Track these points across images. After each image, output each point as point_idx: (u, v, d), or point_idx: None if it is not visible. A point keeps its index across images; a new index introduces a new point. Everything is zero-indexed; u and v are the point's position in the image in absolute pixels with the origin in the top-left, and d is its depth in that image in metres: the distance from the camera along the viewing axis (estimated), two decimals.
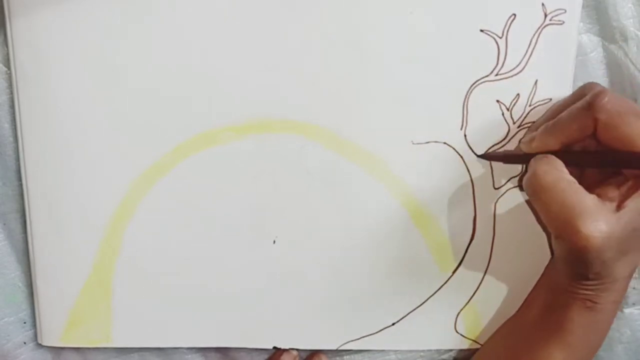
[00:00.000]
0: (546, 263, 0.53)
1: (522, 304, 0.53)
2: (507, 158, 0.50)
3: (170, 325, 0.53)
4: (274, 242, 0.52)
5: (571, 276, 0.46)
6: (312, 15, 0.49)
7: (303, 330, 0.54)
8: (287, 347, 0.54)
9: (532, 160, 0.46)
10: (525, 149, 0.47)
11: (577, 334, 0.46)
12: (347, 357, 0.56)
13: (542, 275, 0.52)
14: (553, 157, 0.45)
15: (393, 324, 0.54)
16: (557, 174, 0.43)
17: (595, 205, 0.42)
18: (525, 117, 0.51)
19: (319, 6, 0.48)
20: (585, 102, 0.43)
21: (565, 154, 0.45)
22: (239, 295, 0.53)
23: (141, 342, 0.53)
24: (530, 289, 0.53)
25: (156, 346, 0.54)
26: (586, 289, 0.45)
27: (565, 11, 0.49)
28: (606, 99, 0.42)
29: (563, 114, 0.45)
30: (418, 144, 0.51)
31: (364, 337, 0.54)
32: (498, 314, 0.54)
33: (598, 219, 0.42)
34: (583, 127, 0.43)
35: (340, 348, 0.54)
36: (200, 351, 0.55)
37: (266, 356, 0.55)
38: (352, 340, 0.54)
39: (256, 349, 0.55)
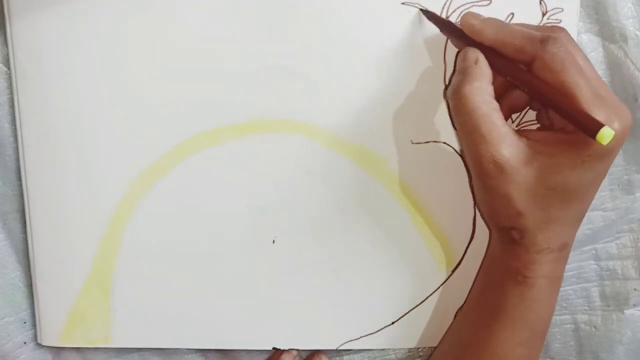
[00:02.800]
0: None
1: (470, 291, 0.52)
2: (444, 25, 0.48)
3: (170, 326, 0.53)
4: (274, 242, 0.52)
5: (498, 239, 0.46)
6: (312, 15, 0.49)
7: (303, 330, 0.54)
8: (287, 348, 0.54)
9: (463, 61, 0.44)
10: (464, 23, 0.45)
11: (513, 312, 0.46)
12: (347, 357, 0.56)
13: (484, 258, 0.51)
14: (485, 73, 0.43)
15: (393, 323, 0.54)
16: (481, 99, 0.42)
17: (511, 136, 0.42)
18: (523, 117, 0.50)
19: (319, 6, 0.48)
20: (545, 36, 0.42)
21: (500, 59, 0.44)
22: (239, 295, 0.52)
23: (141, 343, 0.53)
24: None
25: (156, 347, 0.53)
26: (515, 259, 0.45)
27: (563, 10, 0.49)
28: (561, 48, 0.41)
29: (519, 26, 0.44)
30: (418, 143, 0.51)
31: (363, 336, 0.54)
32: None
33: (512, 145, 0.42)
34: (523, 50, 0.42)
35: (340, 348, 0.54)
36: (200, 351, 0.55)
37: (266, 356, 0.55)
38: (352, 340, 0.54)
39: (256, 350, 0.55)
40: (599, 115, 0.39)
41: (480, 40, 0.44)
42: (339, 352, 0.55)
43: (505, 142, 0.42)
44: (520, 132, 0.43)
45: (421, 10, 0.49)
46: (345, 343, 0.54)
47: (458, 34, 0.46)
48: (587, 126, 0.39)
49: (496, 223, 0.46)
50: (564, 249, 0.45)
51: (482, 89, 0.42)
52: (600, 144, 0.38)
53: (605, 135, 0.38)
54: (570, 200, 0.43)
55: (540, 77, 0.41)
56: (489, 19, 0.45)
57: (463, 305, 0.52)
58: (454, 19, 0.49)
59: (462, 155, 0.51)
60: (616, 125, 0.40)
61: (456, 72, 0.45)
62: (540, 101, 0.44)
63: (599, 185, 0.44)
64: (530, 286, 0.45)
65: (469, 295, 0.52)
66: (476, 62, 0.43)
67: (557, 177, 0.42)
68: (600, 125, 0.38)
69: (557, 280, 0.46)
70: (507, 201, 0.43)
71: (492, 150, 0.41)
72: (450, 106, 0.44)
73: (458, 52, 0.47)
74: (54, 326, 0.52)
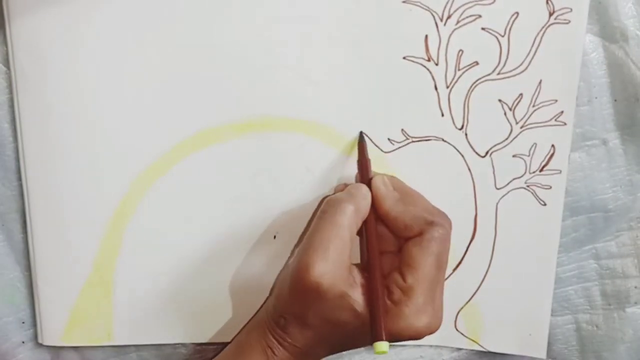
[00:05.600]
0: (550, 265, 0.53)
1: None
2: (363, 159, 0.50)
3: (170, 323, 0.53)
4: (275, 238, 0.52)
5: (269, 310, 0.48)
6: (312, 14, 0.49)
7: None
8: None
9: (356, 189, 0.47)
10: (374, 182, 0.48)
11: None
12: (347, 357, 0.56)
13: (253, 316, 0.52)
14: (363, 209, 0.46)
15: None
16: (347, 222, 0.45)
17: (345, 270, 0.44)
18: (528, 118, 0.51)
19: (319, 5, 0.48)
20: (435, 220, 0.45)
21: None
22: (239, 292, 0.52)
23: (142, 340, 0.53)
24: (531, 289, 0.53)
25: (156, 343, 0.53)
26: (272, 333, 0.46)
27: (571, 10, 0.49)
28: (443, 235, 0.45)
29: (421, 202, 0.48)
30: (418, 140, 0.51)
31: None
32: (499, 315, 0.54)
33: (336, 276, 0.43)
34: (411, 228, 0.46)
35: None
36: (198, 347, 0.55)
37: None
38: None
39: None
40: (417, 306, 0.43)
41: (377, 206, 0.47)
42: None
43: (338, 271, 0.43)
44: (362, 274, 0.46)
45: (361, 132, 0.51)
46: None
47: (363, 174, 0.49)
48: (374, 328, 0.43)
49: (277, 301, 0.47)
50: (311, 357, 0.47)
51: (355, 216, 0.45)
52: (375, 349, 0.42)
53: (379, 349, 0.42)
54: (345, 342, 0.46)
55: (410, 248, 0.45)
56: (392, 192, 0.48)
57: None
58: (454, 19, 0.49)
59: (462, 155, 0.51)
60: (423, 326, 0.44)
61: (345, 190, 0.48)
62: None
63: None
64: None
65: (226, 351, 0.51)
66: (364, 198, 0.47)
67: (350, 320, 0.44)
68: (379, 338, 0.42)
69: None
70: (299, 306, 0.45)
71: (323, 272, 0.43)
72: (321, 208, 0.47)
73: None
74: (54, 325, 0.52)
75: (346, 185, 0.49)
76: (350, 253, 0.45)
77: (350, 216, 0.45)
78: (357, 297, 0.44)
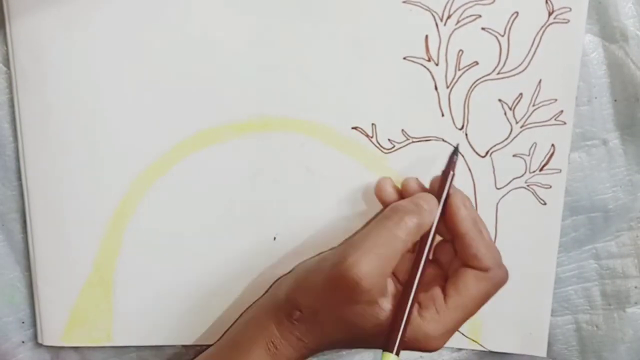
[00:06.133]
0: (550, 265, 0.53)
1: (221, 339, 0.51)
2: (447, 171, 0.49)
3: (171, 323, 0.53)
4: (275, 239, 0.52)
5: (279, 303, 0.47)
6: (312, 13, 0.49)
7: None
8: None
9: (426, 203, 0.46)
10: (457, 203, 0.47)
11: None
12: (347, 357, 0.56)
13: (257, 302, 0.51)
14: (424, 227, 0.45)
15: None
16: (406, 236, 0.44)
17: (385, 280, 0.44)
18: (528, 117, 0.51)
19: (320, 4, 0.48)
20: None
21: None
22: (240, 292, 0.52)
23: (142, 341, 0.53)
24: (531, 288, 0.53)
25: (156, 344, 0.53)
26: (278, 326, 0.46)
27: (571, 9, 0.49)
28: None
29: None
30: (418, 141, 0.51)
31: None
32: (499, 314, 0.54)
33: (379, 281, 0.43)
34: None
35: None
36: (198, 348, 0.55)
37: None
38: None
39: None
40: (443, 331, 0.44)
41: (454, 225, 0.46)
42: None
43: (381, 277, 0.43)
44: (396, 284, 0.46)
45: (457, 147, 0.50)
46: None
47: (442, 187, 0.48)
48: (389, 341, 0.43)
49: (297, 294, 0.47)
50: (314, 352, 0.47)
51: (416, 231, 0.45)
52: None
53: (385, 357, 0.43)
54: (352, 341, 0.46)
55: (467, 278, 0.45)
56: (471, 217, 0.47)
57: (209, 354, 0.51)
58: (454, 19, 0.49)
59: (462, 155, 0.51)
60: (440, 344, 0.45)
61: (413, 200, 0.46)
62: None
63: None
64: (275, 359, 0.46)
65: (217, 346, 0.50)
66: (430, 213, 0.46)
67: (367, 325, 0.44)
68: (391, 349, 0.43)
69: None
70: (324, 299, 0.44)
71: (366, 273, 0.42)
72: (385, 212, 0.47)
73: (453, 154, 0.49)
74: (54, 325, 0.52)
75: (417, 181, 0.49)
76: (391, 271, 0.44)
77: (411, 231, 0.44)
78: (385, 307, 0.44)
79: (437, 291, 0.45)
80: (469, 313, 0.45)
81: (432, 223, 0.46)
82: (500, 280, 0.46)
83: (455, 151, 0.49)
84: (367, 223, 0.51)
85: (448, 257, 0.48)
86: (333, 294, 0.44)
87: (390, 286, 0.45)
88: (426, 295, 0.45)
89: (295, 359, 0.46)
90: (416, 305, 0.45)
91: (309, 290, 0.45)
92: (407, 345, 0.44)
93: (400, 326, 0.43)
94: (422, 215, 0.45)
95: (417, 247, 0.46)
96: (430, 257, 0.48)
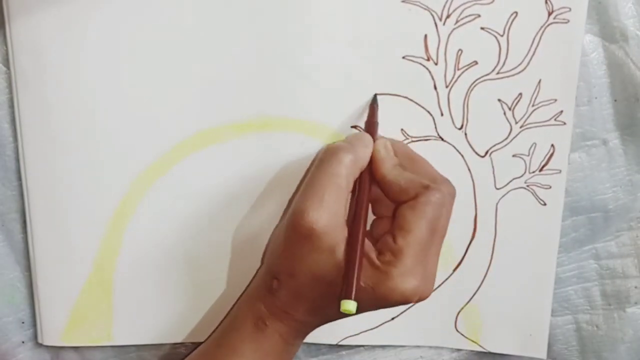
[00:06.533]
0: (550, 265, 0.53)
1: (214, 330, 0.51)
2: (371, 120, 0.50)
3: (171, 323, 0.53)
4: None
5: (262, 277, 0.47)
6: (311, 13, 0.49)
7: None
8: None
9: (357, 138, 0.47)
10: (376, 145, 0.47)
11: (245, 356, 0.46)
12: (347, 357, 0.56)
13: (243, 291, 0.51)
14: (364, 158, 0.46)
15: (392, 318, 0.54)
16: (346, 171, 0.44)
17: (340, 219, 0.44)
18: (528, 117, 0.51)
19: (319, 4, 0.48)
20: (431, 185, 0.44)
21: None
22: (240, 291, 0.52)
23: (142, 340, 0.53)
24: (531, 289, 0.53)
25: (156, 343, 0.53)
26: (263, 302, 0.46)
27: (571, 9, 0.49)
28: (439, 200, 0.44)
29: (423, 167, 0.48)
30: (417, 140, 0.51)
31: (363, 332, 0.54)
32: (499, 315, 0.54)
33: (334, 227, 0.43)
34: (406, 191, 0.45)
35: (340, 343, 0.54)
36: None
37: None
38: (351, 336, 0.55)
39: None
40: (405, 269, 0.43)
41: (375, 169, 0.47)
42: (338, 348, 0.56)
43: (332, 218, 0.43)
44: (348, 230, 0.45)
45: (375, 95, 0.50)
46: (344, 338, 0.54)
47: (370, 131, 0.49)
48: (346, 285, 0.42)
49: (270, 261, 0.47)
50: (307, 325, 0.47)
51: (353, 165, 0.45)
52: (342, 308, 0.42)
53: (345, 306, 0.41)
54: (335, 301, 0.43)
55: (404, 210, 0.44)
56: (391, 157, 0.47)
57: (204, 342, 0.51)
58: (453, 18, 0.49)
59: (461, 154, 0.51)
60: (411, 289, 0.43)
61: (345, 139, 0.48)
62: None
63: (370, 311, 0.46)
64: (267, 336, 0.46)
65: (212, 334, 0.51)
66: (364, 147, 0.46)
67: (338, 281, 0.43)
68: (349, 296, 0.42)
69: (291, 346, 0.48)
70: (292, 258, 0.44)
71: (318, 216, 0.43)
72: (319, 156, 0.46)
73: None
74: (54, 325, 0.52)
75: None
76: (346, 204, 0.44)
77: (348, 165, 0.44)
78: (342, 253, 0.43)
79: (387, 238, 0.44)
80: (425, 245, 0.44)
81: (368, 155, 0.46)
82: (439, 197, 0.44)
83: (374, 99, 0.49)
84: (306, 174, 0.51)
85: (389, 208, 0.47)
86: (296, 249, 0.44)
87: (345, 232, 0.44)
88: (380, 244, 0.45)
89: (287, 334, 0.46)
90: (375, 253, 0.44)
91: (278, 254, 0.45)
92: (385, 301, 0.43)
93: (352, 269, 0.42)
94: (356, 150, 0.45)
95: (358, 185, 0.46)
96: (379, 211, 0.48)
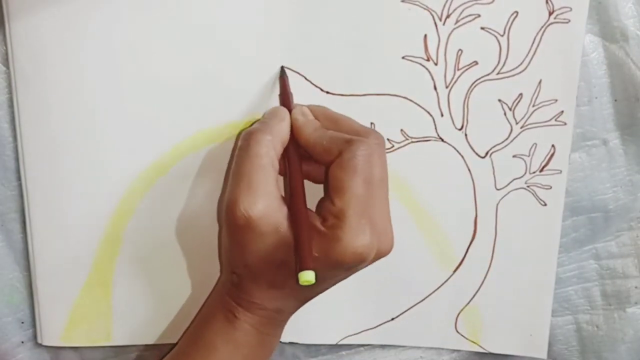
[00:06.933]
0: (550, 266, 0.53)
1: (187, 327, 0.51)
2: (284, 91, 0.49)
3: (170, 323, 0.53)
4: None
5: (224, 273, 0.47)
6: (311, 13, 0.49)
7: (303, 324, 0.53)
8: (286, 341, 0.54)
9: (270, 114, 0.47)
10: (293, 114, 0.47)
11: (223, 351, 0.46)
12: (347, 357, 0.56)
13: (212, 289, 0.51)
14: (283, 132, 0.45)
15: (392, 319, 0.54)
16: (266, 151, 0.43)
17: (274, 199, 0.43)
18: (528, 118, 0.51)
19: (318, 3, 0.48)
20: (353, 138, 0.44)
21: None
22: None
23: (141, 340, 0.53)
24: (531, 289, 0.53)
25: (156, 343, 0.53)
26: (230, 296, 0.46)
27: (571, 9, 0.49)
28: (364, 151, 0.43)
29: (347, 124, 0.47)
30: (417, 141, 0.51)
31: (363, 331, 0.54)
32: (500, 316, 0.54)
33: (269, 207, 0.42)
34: (330, 150, 0.44)
35: (340, 342, 0.54)
36: None
37: None
38: (351, 335, 0.54)
39: None
40: (352, 228, 0.41)
41: (297, 137, 0.46)
42: (338, 348, 0.56)
43: (266, 201, 0.42)
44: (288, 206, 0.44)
45: (282, 67, 0.49)
46: (345, 337, 0.55)
47: (285, 103, 0.48)
48: (300, 258, 0.41)
49: (224, 257, 0.47)
50: (280, 313, 0.47)
51: (272, 143, 0.44)
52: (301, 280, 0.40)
53: (304, 277, 0.40)
54: (294, 278, 0.43)
55: (333, 171, 0.43)
56: (311, 121, 0.47)
57: (179, 340, 0.51)
58: (453, 18, 0.49)
59: (461, 155, 0.51)
60: (363, 245, 0.42)
61: (260, 120, 0.47)
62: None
63: (336, 281, 0.46)
64: (238, 328, 0.45)
65: (186, 331, 0.51)
66: (281, 121, 0.46)
67: (290, 258, 0.43)
68: (306, 267, 0.40)
69: (267, 336, 0.47)
70: (240, 250, 0.44)
71: (250, 203, 0.42)
72: (238, 145, 0.45)
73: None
74: (54, 325, 0.52)
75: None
76: (276, 183, 0.44)
77: (267, 144, 0.44)
78: (286, 228, 0.43)
79: (326, 202, 0.44)
80: (365, 199, 0.43)
81: (286, 129, 0.46)
82: (365, 149, 0.43)
83: (282, 71, 0.49)
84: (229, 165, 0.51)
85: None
86: (240, 240, 0.43)
87: (285, 209, 0.44)
88: (321, 211, 0.44)
89: (259, 324, 0.46)
90: (319, 220, 0.43)
91: (228, 249, 0.45)
92: (341, 262, 0.42)
93: (303, 239, 0.42)
94: (272, 127, 0.45)
95: (287, 159, 0.46)
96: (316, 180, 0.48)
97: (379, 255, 0.44)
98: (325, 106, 0.49)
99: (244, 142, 0.44)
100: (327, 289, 0.47)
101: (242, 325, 0.45)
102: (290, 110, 0.47)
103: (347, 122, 0.47)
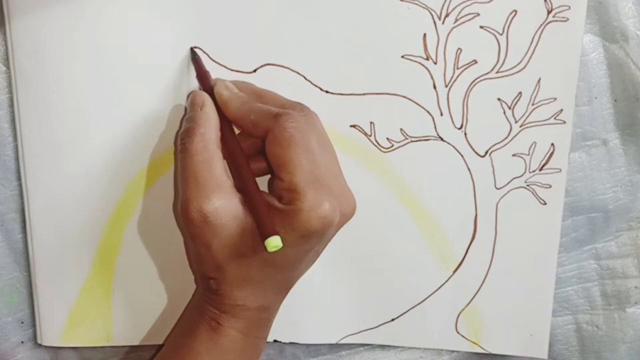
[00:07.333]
0: (550, 265, 0.53)
1: (168, 335, 0.51)
2: (201, 72, 0.48)
3: (170, 323, 0.52)
4: None
5: (200, 282, 0.47)
6: (310, 11, 0.49)
7: (303, 324, 0.53)
8: (287, 340, 0.54)
9: (190, 106, 0.46)
10: (216, 90, 0.46)
11: (202, 358, 0.45)
12: (347, 357, 0.56)
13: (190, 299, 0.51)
14: (210, 117, 0.45)
15: (392, 319, 0.54)
16: (203, 145, 0.43)
17: (226, 189, 0.43)
18: (528, 116, 0.51)
19: (318, 3, 0.48)
20: (280, 111, 0.43)
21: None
22: None
23: (141, 340, 0.53)
24: (532, 289, 0.53)
25: (156, 343, 0.53)
26: (211, 305, 0.45)
27: (570, 8, 0.49)
28: (293, 124, 0.43)
29: (272, 99, 0.46)
30: (417, 140, 0.51)
31: (363, 331, 0.54)
32: (500, 316, 0.54)
33: (224, 198, 0.42)
34: (258, 124, 0.44)
35: (340, 342, 0.54)
36: None
37: (267, 350, 0.55)
38: (351, 334, 0.54)
39: None
40: (309, 196, 0.41)
41: (224, 112, 0.46)
42: (338, 348, 0.55)
43: (217, 193, 0.42)
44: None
45: (192, 48, 0.49)
46: (344, 337, 0.54)
47: (205, 86, 0.47)
48: (262, 228, 0.41)
49: (197, 268, 0.47)
50: (264, 311, 0.46)
51: (205, 135, 0.44)
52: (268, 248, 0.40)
53: (271, 244, 0.40)
54: (272, 266, 0.43)
55: (269, 150, 0.43)
56: (236, 94, 0.46)
57: (161, 348, 0.50)
58: (452, 17, 0.49)
59: (461, 154, 0.51)
60: (326, 209, 0.41)
61: (186, 117, 0.46)
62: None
63: (310, 259, 0.45)
64: (222, 335, 0.45)
65: (167, 338, 0.50)
66: (202, 107, 0.45)
67: (258, 245, 0.42)
68: (270, 233, 0.40)
69: (254, 339, 0.47)
70: (207, 251, 0.43)
71: (201, 199, 0.42)
72: (176, 148, 0.45)
73: None
74: (54, 326, 0.52)
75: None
76: (225, 172, 0.43)
77: (201, 138, 0.43)
78: (242, 213, 0.42)
79: (276, 182, 0.43)
80: (312, 167, 0.42)
81: (213, 112, 0.45)
82: (293, 121, 0.43)
83: (193, 53, 0.49)
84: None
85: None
86: (205, 241, 0.42)
87: (239, 196, 0.43)
88: (275, 189, 0.44)
89: (245, 327, 0.45)
90: (276, 200, 0.42)
91: (196, 255, 0.45)
92: (308, 232, 0.42)
93: (261, 210, 0.41)
94: (197, 117, 0.44)
95: (225, 142, 0.45)
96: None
97: (344, 218, 0.43)
98: (248, 82, 0.49)
99: (180, 145, 0.44)
100: (303, 271, 0.46)
101: (227, 332, 0.45)
102: (211, 88, 0.47)
103: (272, 97, 0.47)
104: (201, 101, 0.45)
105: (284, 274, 0.45)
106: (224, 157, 0.45)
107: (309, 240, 0.42)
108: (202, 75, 0.48)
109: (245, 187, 0.43)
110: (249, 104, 0.45)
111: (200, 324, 0.45)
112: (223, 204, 0.42)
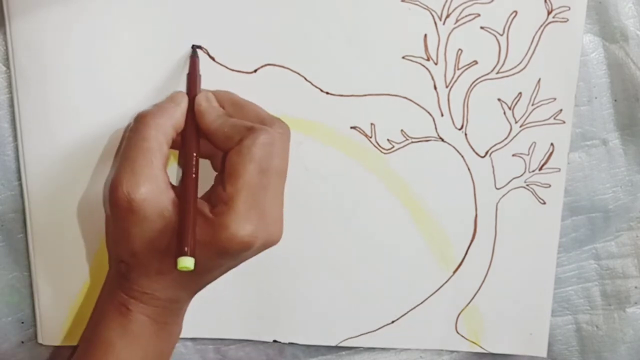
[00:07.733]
0: (550, 265, 0.53)
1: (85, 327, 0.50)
2: (193, 73, 0.48)
3: None
4: None
5: (112, 264, 0.46)
6: (310, 12, 0.49)
7: (303, 326, 0.53)
8: (287, 341, 0.54)
9: (168, 98, 0.46)
10: (197, 99, 0.46)
11: (119, 345, 0.44)
12: (347, 357, 0.56)
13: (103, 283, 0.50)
14: (176, 117, 0.45)
15: (392, 321, 0.54)
16: (155, 134, 0.43)
17: (160, 183, 0.43)
18: (528, 117, 0.51)
19: (318, 3, 0.48)
20: (257, 126, 0.43)
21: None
22: (240, 291, 0.52)
23: None
24: (531, 289, 0.53)
25: None
26: (121, 289, 0.45)
27: (570, 8, 0.49)
28: (264, 141, 0.42)
29: (230, 126, 0.45)
30: (417, 141, 0.51)
31: (363, 334, 0.54)
32: (500, 316, 0.54)
33: (154, 191, 0.42)
34: (231, 138, 0.43)
35: (340, 344, 0.54)
36: (197, 346, 0.55)
37: (263, 349, 0.55)
38: (351, 337, 0.54)
39: (253, 342, 0.55)
40: (240, 216, 0.41)
41: (199, 123, 0.45)
42: (338, 349, 0.55)
43: (150, 184, 0.42)
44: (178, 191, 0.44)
45: (193, 46, 0.49)
46: (344, 340, 0.54)
47: (190, 89, 0.47)
48: (180, 243, 0.40)
49: (112, 248, 0.47)
50: (173, 303, 0.46)
51: (162, 127, 0.44)
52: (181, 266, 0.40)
53: (181, 263, 0.40)
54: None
55: (230, 155, 0.43)
56: (214, 107, 0.46)
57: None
58: (453, 18, 0.49)
59: (461, 155, 0.51)
60: (248, 234, 0.41)
61: (156, 104, 0.46)
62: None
63: (221, 272, 0.46)
64: (132, 320, 0.44)
65: (84, 331, 0.50)
66: (176, 105, 0.45)
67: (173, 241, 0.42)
68: (185, 253, 0.40)
69: (165, 325, 0.46)
70: (125, 236, 0.43)
71: (132, 185, 0.41)
72: (130, 127, 0.45)
73: None
74: (54, 325, 0.52)
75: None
76: (163, 167, 0.43)
77: (155, 127, 0.43)
78: (172, 213, 0.42)
79: (218, 188, 0.43)
80: (257, 187, 0.42)
81: (181, 114, 0.45)
82: (265, 137, 0.42)
83: (194, 51, 0.48)
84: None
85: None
86: (125, 226, 0.42)
87: (172, 195, 0.43)
88: (212, 196, 0.44)
89: (154, 314, 0.45)
90: (208, 207, 0.43)
91: (114, 236, 0.44)
92: (225, 250, 0.42)
93: (185, 225, 0.41)
94: (165, 110, 0.44)
95: (182, 142, 0.45)
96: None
97: (266, 245, 0.43)
98: (231, 92, 0.48)
99: (133, 125, 0.44)
100: (215, 277, 0.46)
101: (136, 317, 0.44)
102: (195, 93, 0.46)
103: (253, 109, 0.47)
104: (179, 100, 0.46)
105: (194, 277, 0.44)
106: (179, 164, 0.45)
107: (223, 257, 0.43)
108: (192, 78, 0.48)
109: (184, 194, 0.43)
110: (224, 119, 0.45)
111: (110, 309, 0.45)
112: (152, 197, 0.42)
